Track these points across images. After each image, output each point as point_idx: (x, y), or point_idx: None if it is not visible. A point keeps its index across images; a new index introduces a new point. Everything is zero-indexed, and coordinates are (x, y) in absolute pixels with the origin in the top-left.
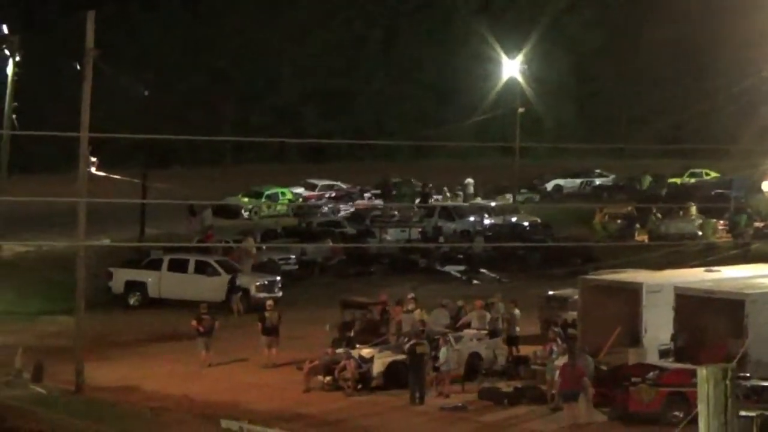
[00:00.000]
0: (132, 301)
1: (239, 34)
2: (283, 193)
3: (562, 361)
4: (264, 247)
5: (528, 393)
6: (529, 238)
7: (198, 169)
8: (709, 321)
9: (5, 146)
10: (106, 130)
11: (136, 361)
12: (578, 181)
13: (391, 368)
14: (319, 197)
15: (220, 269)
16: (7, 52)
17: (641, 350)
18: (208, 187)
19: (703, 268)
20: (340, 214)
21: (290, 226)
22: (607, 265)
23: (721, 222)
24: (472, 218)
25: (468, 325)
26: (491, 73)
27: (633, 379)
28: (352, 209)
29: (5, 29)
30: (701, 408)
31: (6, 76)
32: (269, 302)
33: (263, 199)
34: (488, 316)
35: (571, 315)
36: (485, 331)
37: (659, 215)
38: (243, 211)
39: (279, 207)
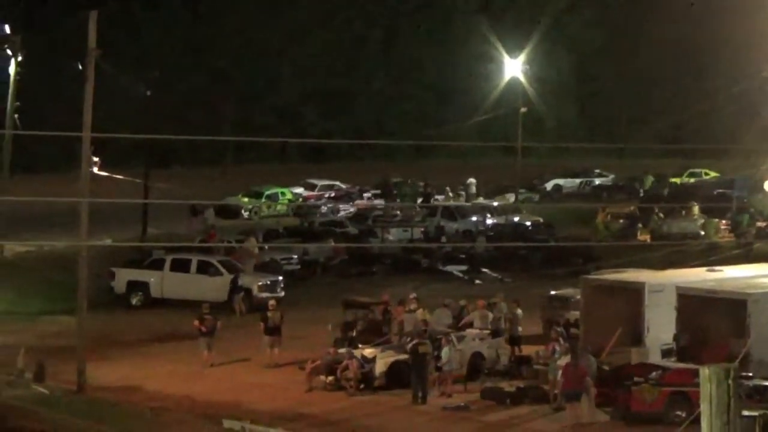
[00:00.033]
0: (134, 301)
1: (240, 34)
2: (283, 193)
3: (564, 360)
4: (266, 247)
5: (530, 393)
6: (532, 237)
7: (199, 169)
8: (711, 321)
9: (7, 146)
10: (108, 130)
11: (138, 361)
12: (577, 181)
13: (393, 368)
14: (319, 197)
15: (222, 269)
16: (9, 52)
17: (643, 350)
18: (209, 187)
19: (705, 268)
20: (339, 214)
21: (292, 226)
22: (609, 265)
23: (724, 222)
24: (474, 218)
25: (470, 325)
26: (492, 73)
27: (635, 379)
28: (351, 209)
29: (7, 29)
30: (704, 408)
31: (8, 75)
32: (271, 302)
33: (263, 199)
34: (490, 315)
35: (574, 315)
36: (488, 331)
37: (661, 215)
38: (243, 211)
39: (279, 207)
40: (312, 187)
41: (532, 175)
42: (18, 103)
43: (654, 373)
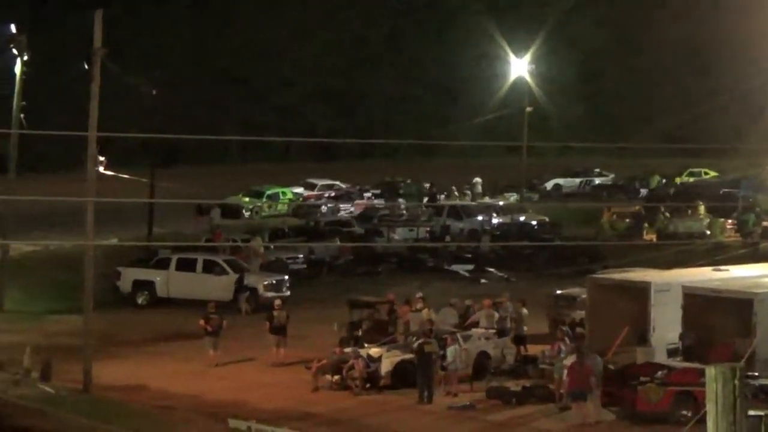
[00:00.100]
0: (140, 300)
1: (245, 34)
2: (283, 193)
3: (570, 360)
4: (272, 247)
5: (536, 392)
6: (537, 237)
7: (205, 168)
8: (717, 320)
9: (14, 146)
10: (114, 130)
11: (143, 360)
12: (577, 180)
13: (399, 367)
14: (319, 197)
15: (228, 268)
16: (15, 51)
17: (649, 349)
18: (215, 186)
19: (711, 268)
20: (339, 214)
21: (298, 225)
22: (615, 264)
23: (730, 221)
24: (480, 217)
25: (476, 325)
26: (498, 73)
27: (641, 379)
28: (351, 208)
29: (13, 29)
30: (710, 407)
31: (14, 75)
32: (277, 301)
33: (264, 199)
34: (496, 315)
35: (579, 314)
36: (493, 331)
37: (667, 214)
38: (244, 210)
39: (279, 207)
40: (312, 187)
41: (536, 174)
42: (24, 103)
43: (660, 373)
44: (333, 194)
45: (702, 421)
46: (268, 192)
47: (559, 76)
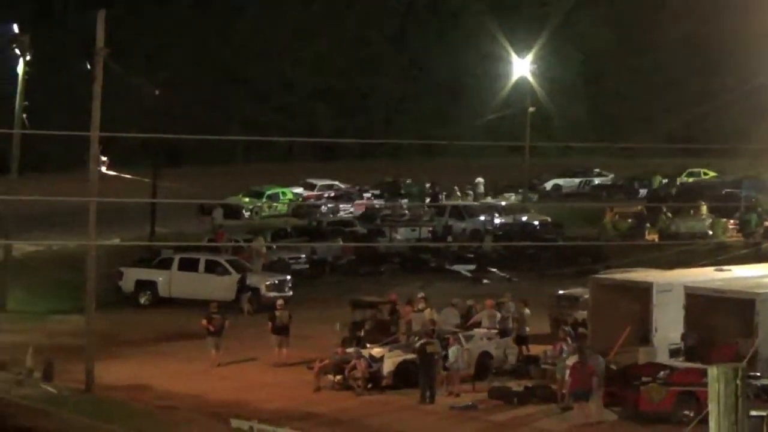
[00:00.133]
0: (142, 300)
1: (249, 33)
2: (283, 193)
3: (572, 360)
4: (274, 247)
5: (538, 392)
6: (540, 237)
7: (208, 168)
8: (719, 320)
9: (16, 146)
10: (116, 130)
11: (146, 360)
12: (577, 180)
13: (401, 367)
14: (318, 197)
15: (230, 268)
16: (17, 51)
17: (651, 349)
18: (217, 186)
19: (713, 268)
20: (339, 214)
21: (300, 225)
22: (617, 265)
23: (732, 221)
24: (482, 217)
25: (478, 325)
26: (500, 73)
27: (643, 379)
28: (351, 208)
29: (16, 28)
30: (712, 407)
31: (16, 75)
32: (279, 301)
33: (264, 199)
34: (498, 315)
35: (582, 314)
36: (496, 331)
37: (669, 214)
38: (244, 211)
39: (279, 207)
40: (311, 187)
41: (537, 174)
42: (26, 103)
43: (662, 373)
44: (332, 194)
45: (704, 421)
46: (268, 192)
47: (560, 76)
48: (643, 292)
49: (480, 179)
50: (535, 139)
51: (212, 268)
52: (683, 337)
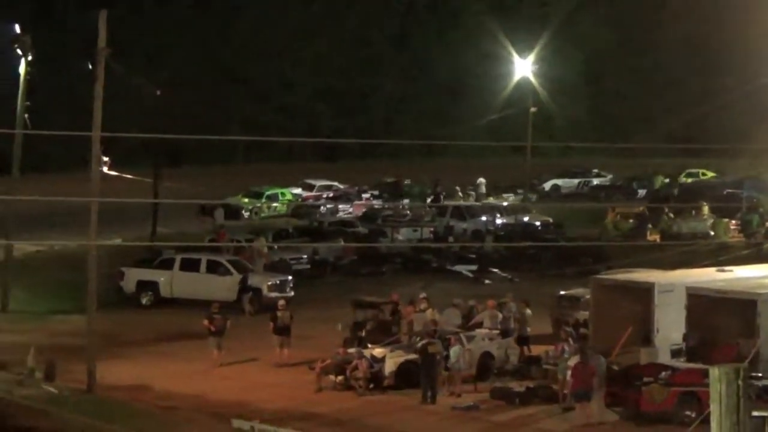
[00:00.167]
0: (144, 300)
1: (250, 33)
2: (283, 194)
3: (573, 360)
4: (276, 247)
5: (540, 392)
6: (541, 237)
7: (208, 168)
8: (721, 321)
9: (18, 146)
10: (118, 130)
11: (147, 360)
12: (576, 181)
13: (402, 368)
14: (317, 197)
15: (231, 269)
16: (19, 51)
17: (653, 350)
18: (218, 186)
19: (715, 268)
20: (338, 215)
21: (302, 225)
22: (619, 265)
23: (734, 222)
24: (484, 218)
25: (480, 325)
26: (501, 73)
27: (645, 379)
28: (350, 209)
29: (17, 29)
30: (713, 408)
31: (18, 75)
32: (281, 302)
33: (263, 200)
34: (500, 315)
35: (583, 314)
36: (497, 331)
37: (671, 215)
38: (243, 211)
39: (279, 207)
40: (310, 188)
41: (537, 175)
42: (28, 103)
43: (663, 373)
44: (331, 195)
45: (706, 421)
46: (268, 193)
47: (561, 76)
48: (645, 292)
49: (482, 179)
50: (537, 140)
51: (214, 268)
52: (685, 338)
